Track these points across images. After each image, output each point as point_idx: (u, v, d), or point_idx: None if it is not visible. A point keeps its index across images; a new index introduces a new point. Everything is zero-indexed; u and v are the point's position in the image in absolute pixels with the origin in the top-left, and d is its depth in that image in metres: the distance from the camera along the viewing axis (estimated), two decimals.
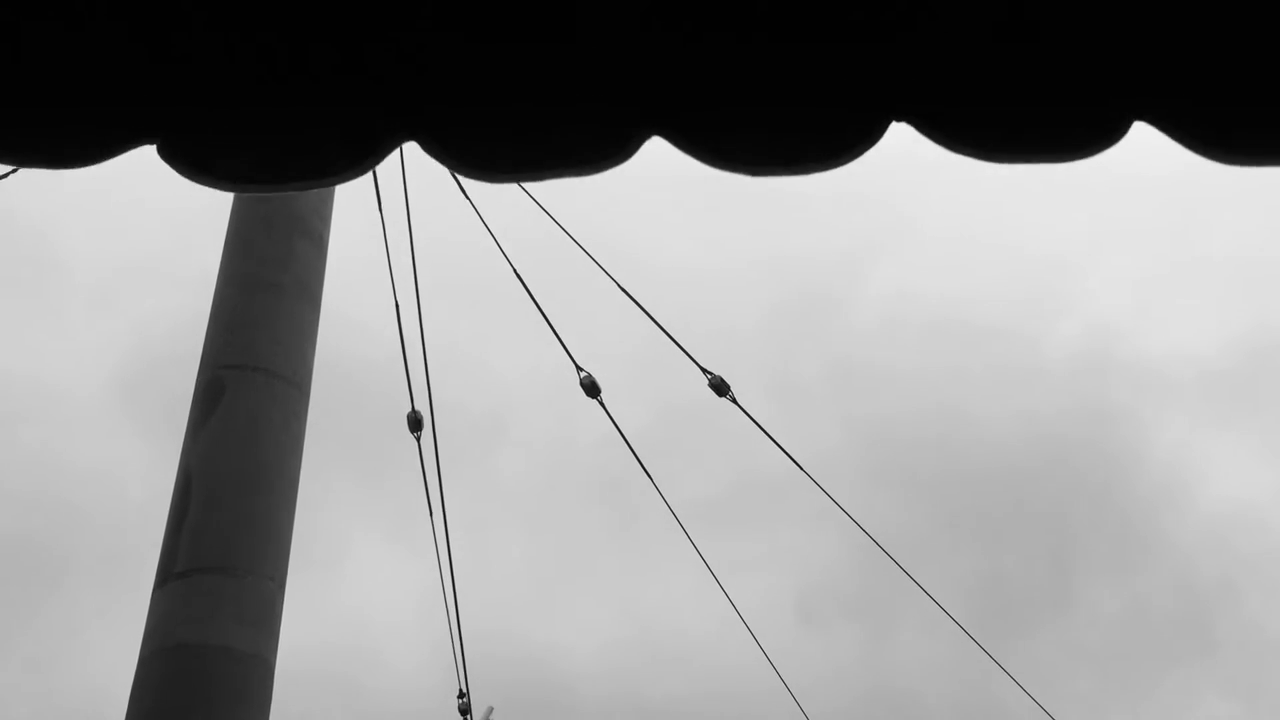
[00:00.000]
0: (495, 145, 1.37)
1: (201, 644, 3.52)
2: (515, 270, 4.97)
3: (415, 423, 5.27)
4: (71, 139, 1.42)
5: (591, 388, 5.25)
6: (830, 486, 5.14)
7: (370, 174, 4.08)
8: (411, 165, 4.52)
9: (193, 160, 1.40)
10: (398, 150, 1.42)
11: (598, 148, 1.30)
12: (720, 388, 5.26)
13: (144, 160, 1.42)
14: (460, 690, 5.56)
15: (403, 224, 4.69)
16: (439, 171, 4.24)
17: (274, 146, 1.40)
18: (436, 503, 5.19)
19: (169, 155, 1.40)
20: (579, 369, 5.14)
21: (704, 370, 5.19)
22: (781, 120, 1.32)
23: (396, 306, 4.68)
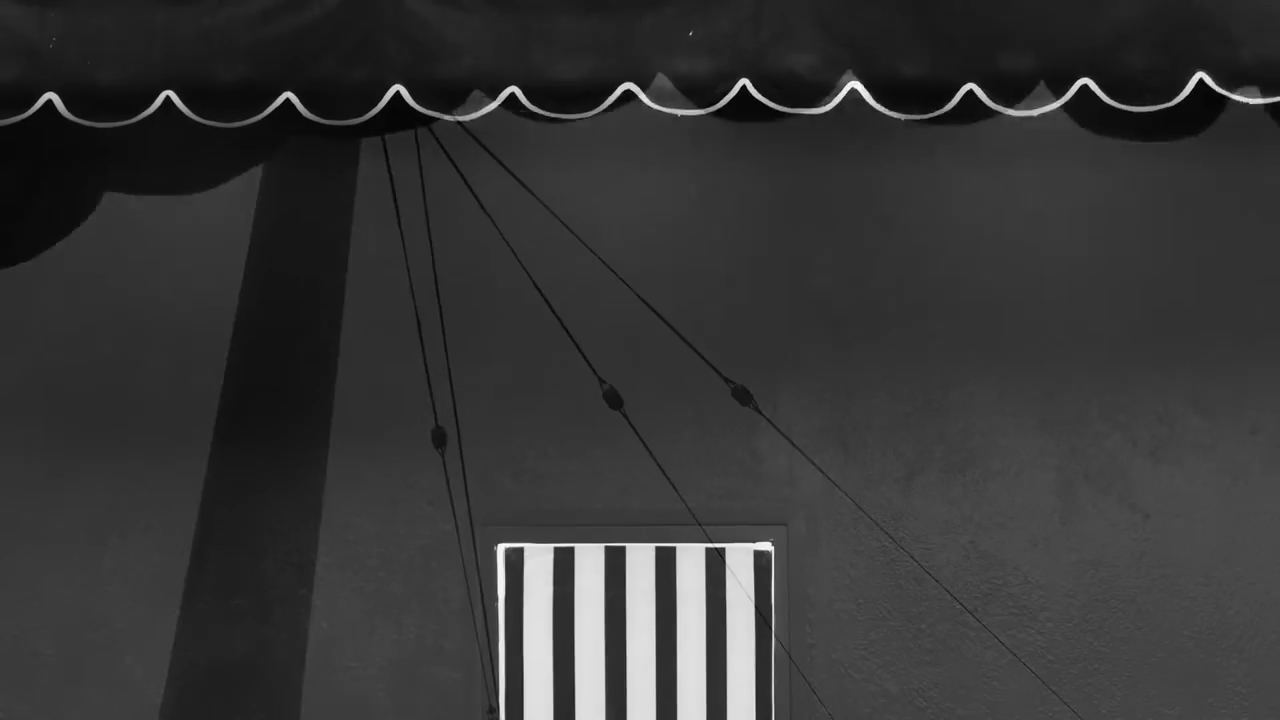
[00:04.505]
0: None
1: (229, 660, 3.54)
2: (535, 283, 4.96)
3: (439, 438, 5.25)
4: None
5: (614, 399, 5.22)
6: None
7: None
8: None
9: None
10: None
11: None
12: (743, 396, 5.20)
13: None
14: (490, 705, 5.54)
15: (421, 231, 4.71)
16: (455, 181, 4.25)
17: None
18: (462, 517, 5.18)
19: None
20: (601, 381, 5.11)
21: (726, 380, 5.13)
22: None
23: (417, 317, 4.69)
